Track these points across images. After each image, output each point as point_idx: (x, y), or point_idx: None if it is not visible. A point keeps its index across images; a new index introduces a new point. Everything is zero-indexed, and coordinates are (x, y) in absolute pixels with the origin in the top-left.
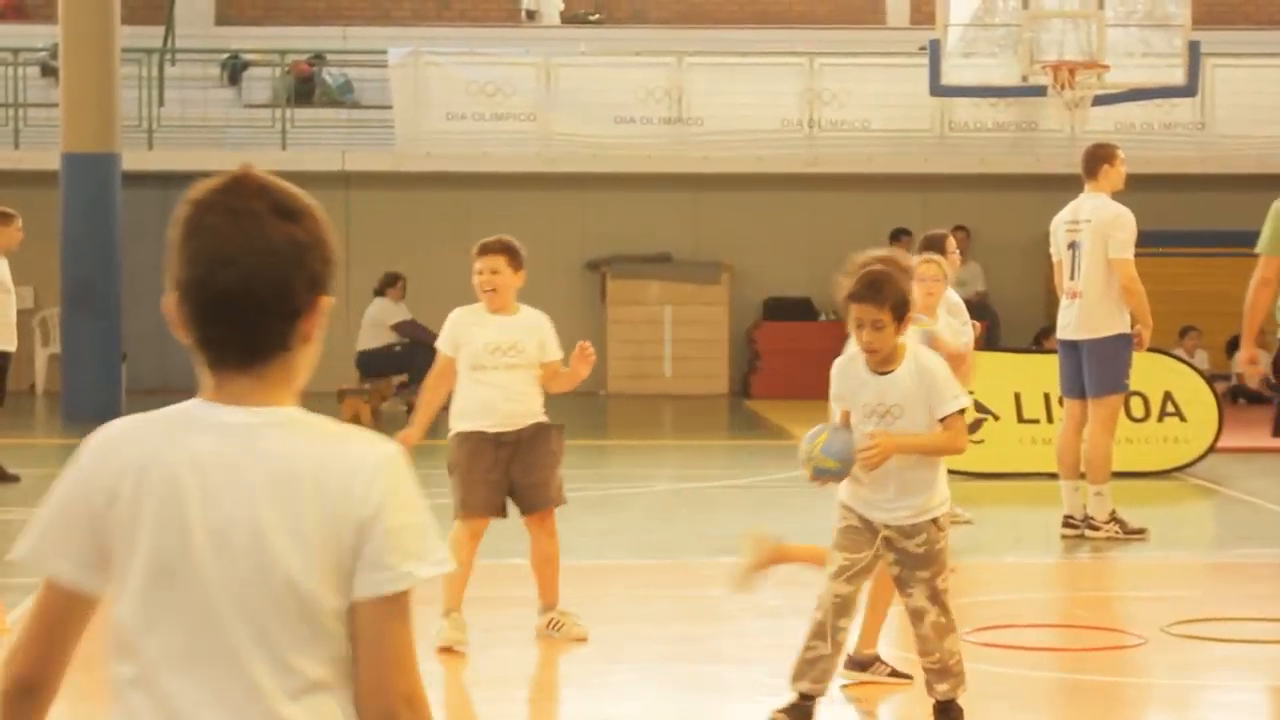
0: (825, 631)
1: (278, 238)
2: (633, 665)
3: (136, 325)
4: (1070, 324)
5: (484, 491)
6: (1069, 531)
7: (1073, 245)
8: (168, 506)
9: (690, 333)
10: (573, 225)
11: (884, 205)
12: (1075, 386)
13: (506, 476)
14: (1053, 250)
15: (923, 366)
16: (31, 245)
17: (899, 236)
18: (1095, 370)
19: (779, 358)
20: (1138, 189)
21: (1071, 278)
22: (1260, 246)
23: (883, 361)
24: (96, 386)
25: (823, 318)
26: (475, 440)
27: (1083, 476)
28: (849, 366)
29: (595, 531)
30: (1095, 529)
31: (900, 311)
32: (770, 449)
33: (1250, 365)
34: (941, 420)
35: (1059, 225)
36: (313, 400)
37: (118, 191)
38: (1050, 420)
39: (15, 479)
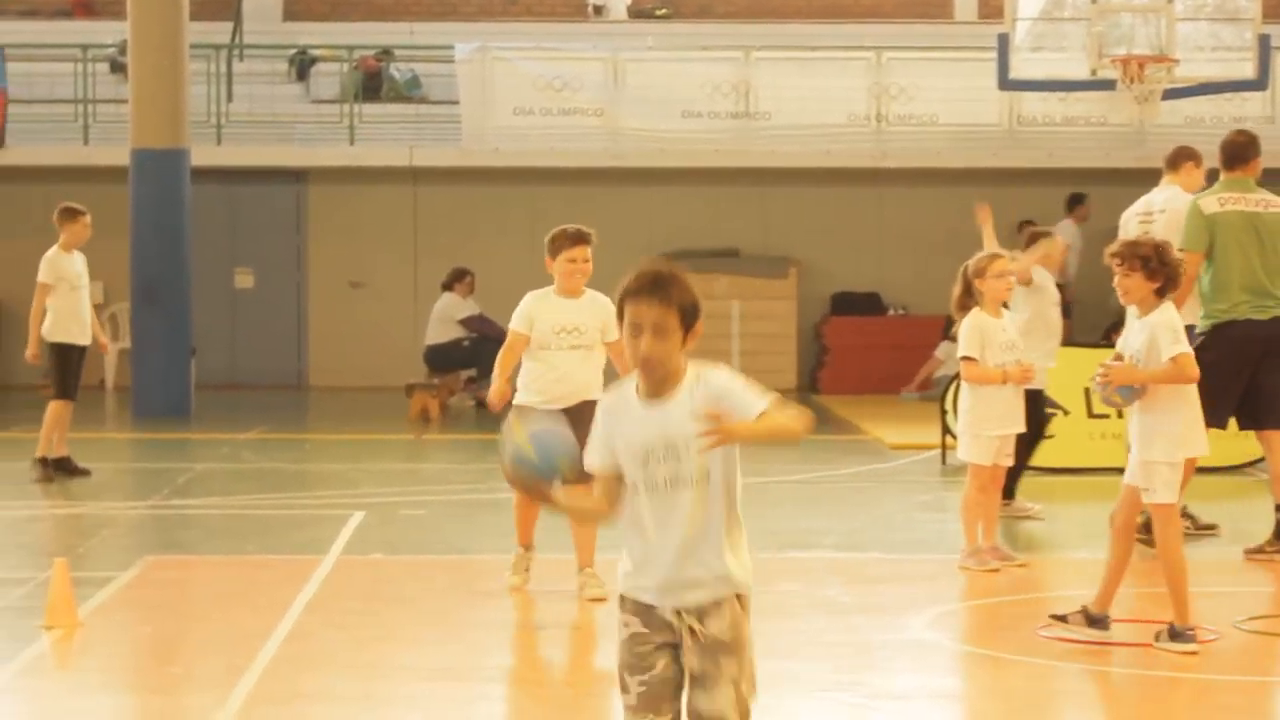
0: None
1: None
2: None
3: (205, 320)
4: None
5: None
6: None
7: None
8: None
9: (758, 327)
10: (640, 220)
11: (951, 200)
12: None
13: None
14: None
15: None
16: (101, 241)
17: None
18: None
19: (847, 352)
20: (1209, 183)
21: None
22: (1182, 242)
23: (658, 385)
24: (166, 381)
25: (891, 312)
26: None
27: None
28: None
29: None
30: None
31: (689, 320)
32: (838, 444)
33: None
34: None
35: (1131, 218)
36: (381, 395)
37: (186, 187)
38: (1120, 415)
39: (86, 473)
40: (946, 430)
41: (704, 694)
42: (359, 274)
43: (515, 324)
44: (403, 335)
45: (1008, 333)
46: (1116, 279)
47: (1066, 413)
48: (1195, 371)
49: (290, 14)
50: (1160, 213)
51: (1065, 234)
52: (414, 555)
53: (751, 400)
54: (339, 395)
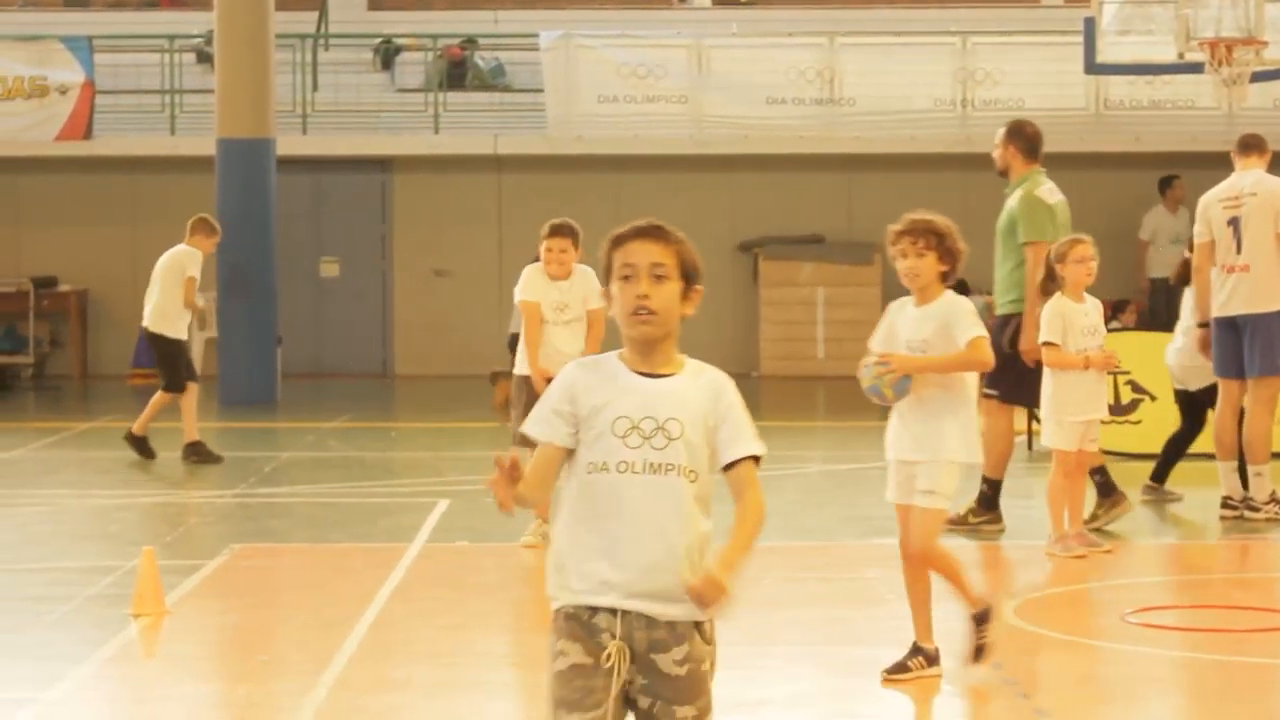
0: None
1: None
2: (786, 648)
3: (291, 309)
4: (1232, 299)
5: None
6: (1228, 513)
7: (1233, 221)
8: None
9: (843, 314)
10: (724, 207)
11: None
12: (1232, 366)
13: None
14: (1199, 230)
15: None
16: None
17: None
18: (1260, 347)
19: None
20: None
21: (1237, 252)
22: (1031, 234)
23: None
24: (252, 370)
25: (977, 298)
26: (527, 383)
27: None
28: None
29: None
30: (1255, 510)
31: (689, 274)
32: None
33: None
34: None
35: (1212, 203)
36: (466, 383)
37: (272, 176)
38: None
39: (219, 459)
40: (1032, 416)
41: None
42: (444, 262)
43: (526, 295)
44: (487, 323)
45: (1089, 317)
46: (903, 260)
47: (1154, 398)
48: (991, 357)
49: (375, 3)
50: (1251, 195)
51: (1156, 220)
52: (498, 543)
53: (746, 436)
54: (424, 384)
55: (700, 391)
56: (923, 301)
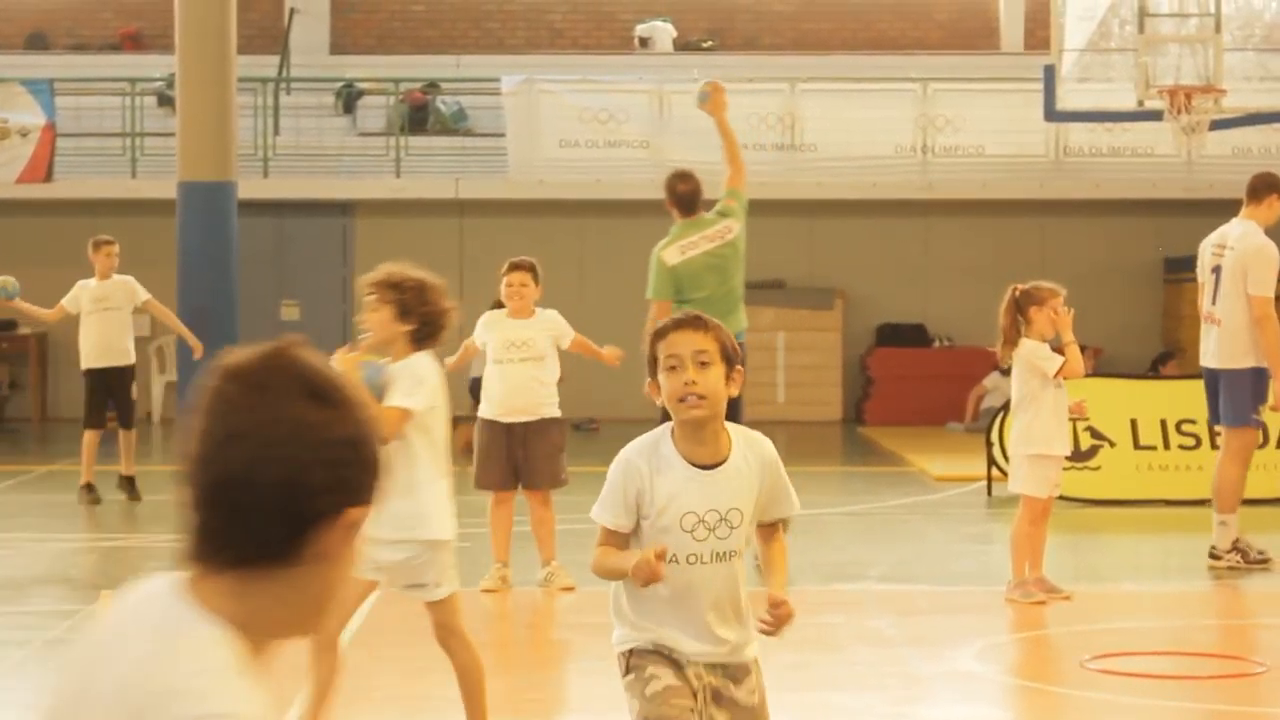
0: None
1: (303, 420)
2: None
3: None
4: (1208, 351)
5: (496, 470)
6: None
7: (1216, 269)
8: None
9: (803, 359)
10: None
11: (998, 231)
12: (1217, 414)
13: (513, 458)
14: (1198, 271)
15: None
16: (147, 273)
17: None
18: (1228, 400)
19: (892, 384)
20: None
21: (1212, 303)
22: (650, 293)
23: (706, 443)
24: None
25: (936, 344)
26: (491, 427)
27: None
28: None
29: None
30: (1216, 558)
31: (729, 357)
32: (884, 475)
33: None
34: None
35: (1206, 247)
36: None
37: (234, 220)
38: (1167, 447)
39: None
40: (992, 462)
41: None
42: None
43: (474, 336)
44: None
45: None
46: (367, 312)
47: (1113, 444)
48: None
49: (337, 47)
50: (1231, 249)
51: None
52: (460, 587)
53: (788, 499)
54: None
55: (753, 473)
56: (394, 359)
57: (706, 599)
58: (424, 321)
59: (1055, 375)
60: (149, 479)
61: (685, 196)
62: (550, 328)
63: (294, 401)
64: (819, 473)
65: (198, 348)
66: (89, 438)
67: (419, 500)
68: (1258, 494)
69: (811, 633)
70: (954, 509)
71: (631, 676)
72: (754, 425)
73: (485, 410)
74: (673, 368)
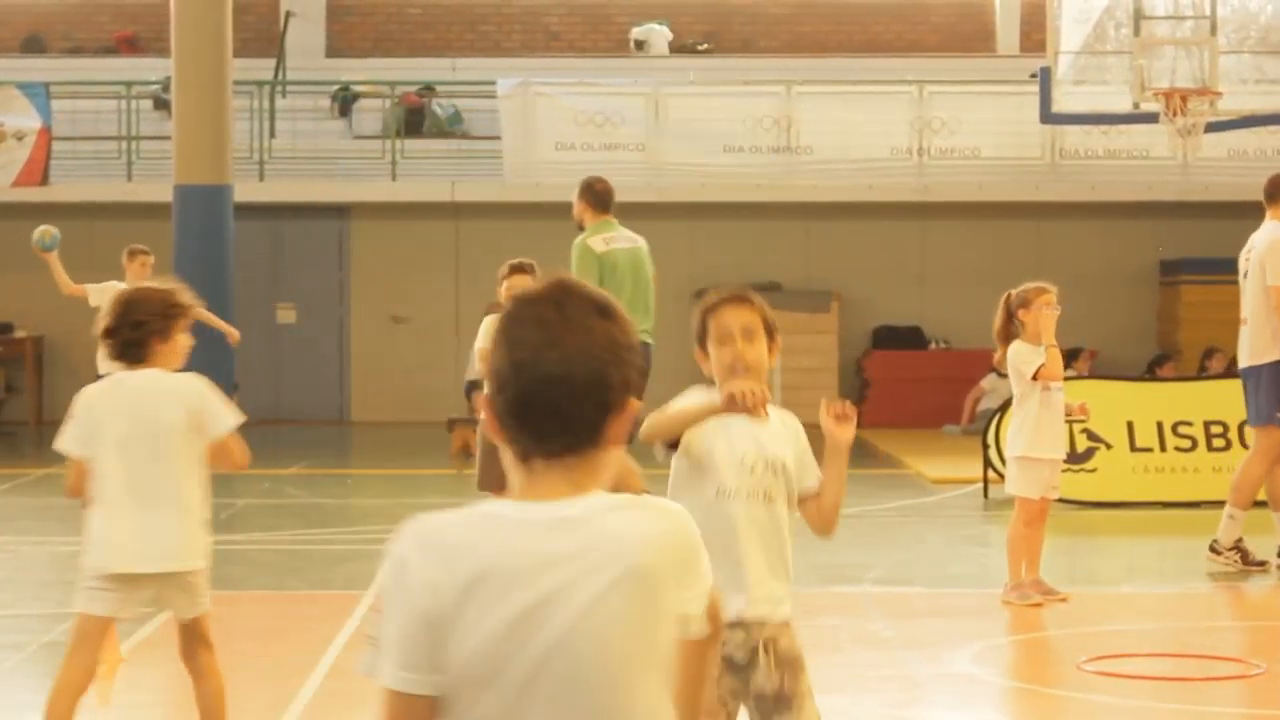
0: None
1: (599, 329)
2: None
3: (248, 355)
4: (1240, 351)
5: (500, 471)
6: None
7: (1246, 274)
8: (499, 614)
9: (800, 361)
10: (681, 255)
11: (994, 233)
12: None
13: None
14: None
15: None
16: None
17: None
18: (1253, 399)
19: (888, 386)
20: (1252, 215)
21: (1244, 306)
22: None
23: None
24: None
25: (932, 346)
26: None
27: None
28: None
29: None
30: (1217, 552)
31: (771, 330)
32: (880, 477)
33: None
34: None
35: (1242, 254)
36: (424, 429)
37: (229, 222)
38: (1163, 449)
39: None
40: (989, 464)
41: (790, 713)
42: (401, 309)
43: (484, 342)
44: (444, 370)
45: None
46: None
47: (1109, 446)
48: None
49: (333, 50)
50: (1253, 249)
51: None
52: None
53: (815, 466)
54: (381, 430)
55: (791, 435)
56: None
57: (763, 542)
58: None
59: (1032, 377)
60: None
61: (603, 194)
62: None
63: (590, 316)
64: None
65: (234, 335)
66: None
67: (193, 521)
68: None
69: (808, 635)
70: (951, 511)
71: None
72: None
73: None
74: (724, 341)
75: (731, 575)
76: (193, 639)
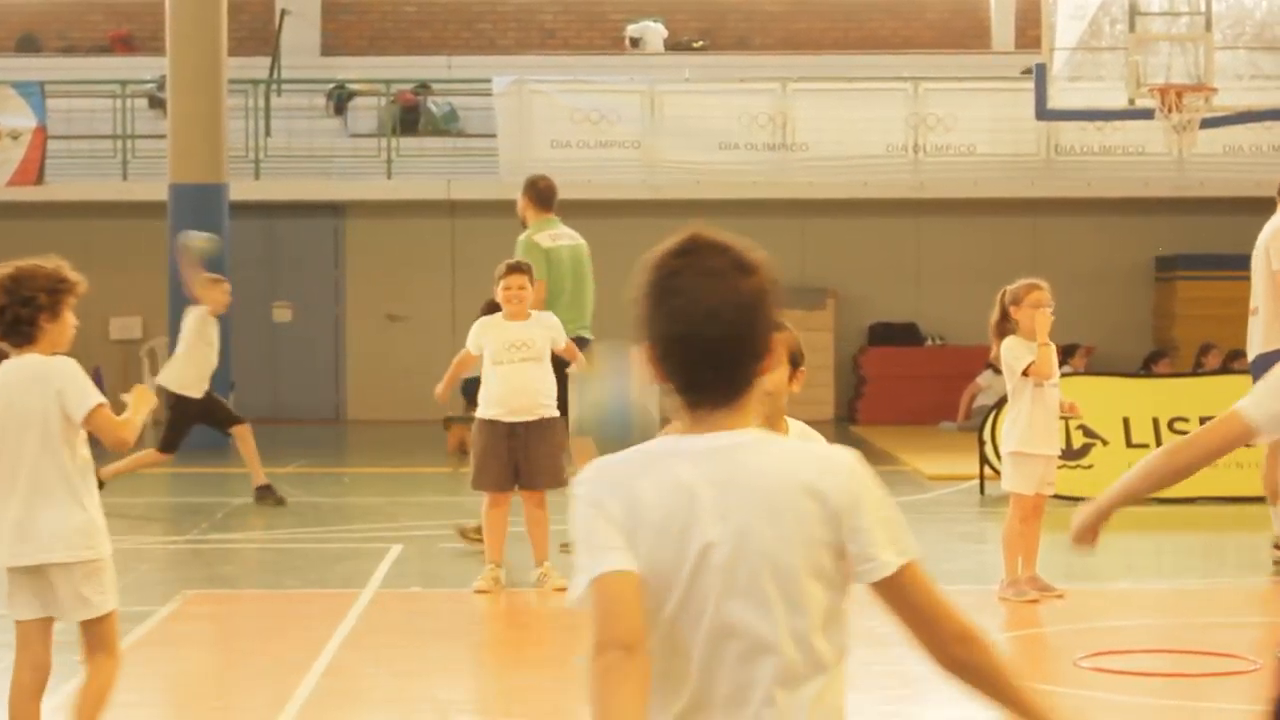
0: None
1: (745, 290)
2: None
3: (244, 354)
4: (1250, 342)
5: (496, 470)
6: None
7: (1254, 266)
8: (665, 529)
9: None
10: None
11: (990, 229)
12: None
13: (513, 459)
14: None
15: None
16: (139, 276)
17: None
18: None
19: (884, 383)
20: (1248, 211)
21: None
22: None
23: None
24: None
25: (928, 343)
26: (492, 428)
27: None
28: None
29: None
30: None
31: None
32: (876, 474)
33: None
34: None
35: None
36: (419, 428)
37: (225, 221)
38: (1159, 445)
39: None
40: (985, 461)
41: None
42: (397, 307)
43: (467, 344)
44: (440, 368)
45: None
46: None
47: (1105, 442)
48: None
49: (328, 49)
50: (1260, 241)
51: None
52: (452, 589)
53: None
54: (377, 429)
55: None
56: None
57: None
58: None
59: (1023, 374)
60: (145, 481)
61: (545, 191)
62: (548, 330)
63: (733, 279)
64: None
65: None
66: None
67: (92, 512)
68: (1249, 492)
69: None
70: (947, 508)
71: None
72: None
73: (485, 411)
74: None
75: None
76: (93, 644)
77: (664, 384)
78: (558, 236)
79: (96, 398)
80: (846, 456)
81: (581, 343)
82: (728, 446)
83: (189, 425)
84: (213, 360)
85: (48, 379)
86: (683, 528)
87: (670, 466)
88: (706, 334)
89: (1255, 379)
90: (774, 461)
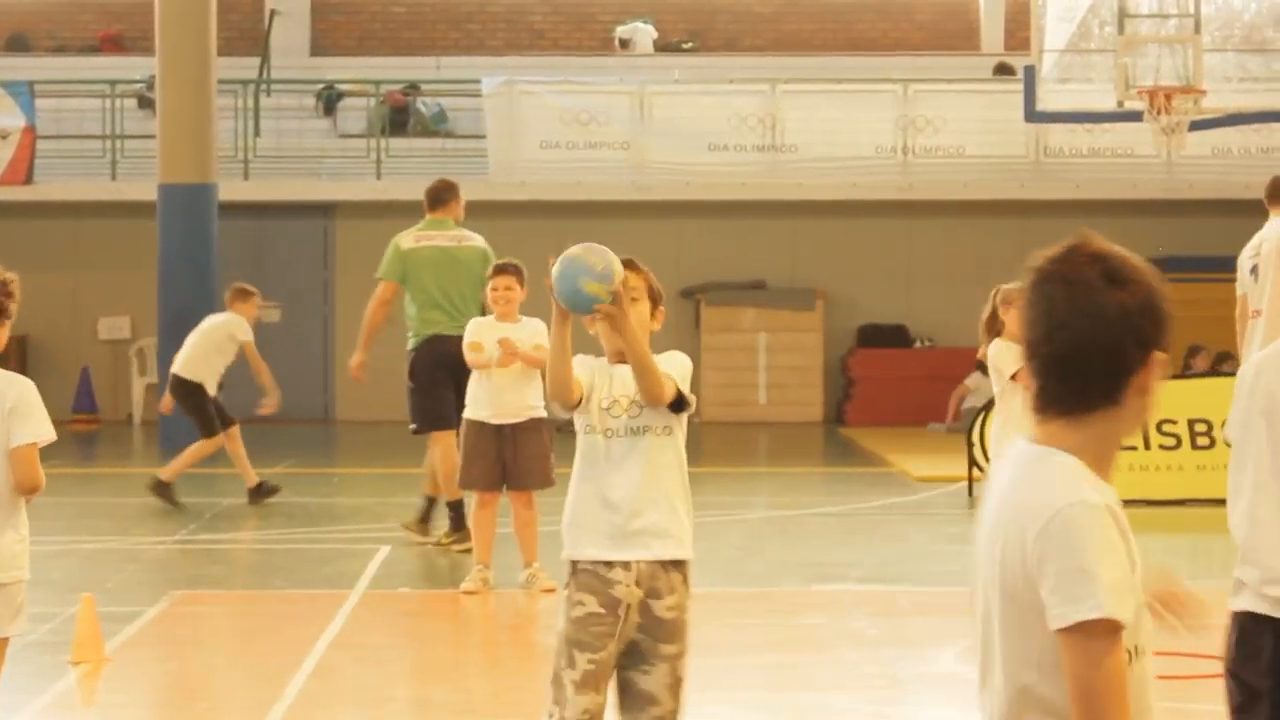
0: None
1: (1109, 304)
2: (729, 694)
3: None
4: (1251, 345)
5: (483, 471)
6: None
7: (1254, 270)
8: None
9: (785, 360)
10: (667, 253)
11: (979, 231)
12: None
13: (501, 459)
14: (1238, 285)
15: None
16: (128, 275)
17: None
18: None
19: (873, 384)
20: (1236, 213)
21: (1258, 302)
22: (380, 273)
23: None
24: None
25: (917, 344)
26: (480, 428)
27: None
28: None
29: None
30: None
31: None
32: (865, 476)
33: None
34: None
35: (1244, 258)
36: (407, 429)
37: (214, 221)
38: (1147, 447)
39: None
40: (973, 462)
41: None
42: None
43: (470, 337)
44: None
45: None
46: None
47: None
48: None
49: (317, 49)
50: (1265, 243)
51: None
52: (440, 589)
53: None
54: (365, 429)
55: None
56: None
57: (630, 473)
58: None
59: (1011, 378)
60: (133, 481)
61: (433, 191)
62: (534, 334)
63: (1097, 291)
64: (800, 473)
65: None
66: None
67: (20, 533)
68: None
69: (793, 633)
70: (935, 509)
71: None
72: (735, 425)
73: (473, 412)
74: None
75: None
76: None
77: (1030, 387)
78: (427, 238)
79: (44, 436)
80: (1061, 502)
81: (441, 342)
82: (1020, 456)
83: (209, 404)
84: (219, 368)
85: (4, 394)
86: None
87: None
88: (1058, 343)
89: None
90: (1015, 483)
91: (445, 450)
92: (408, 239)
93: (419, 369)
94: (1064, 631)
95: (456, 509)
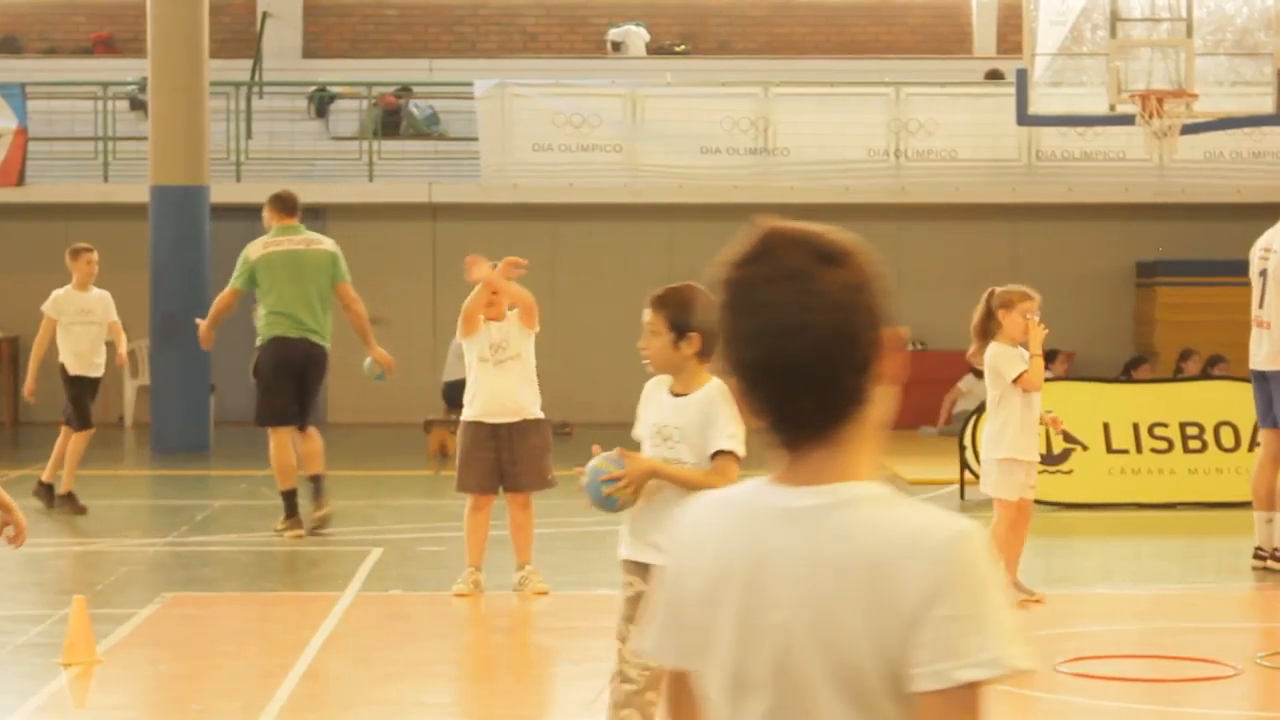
0: (635, 702)
1: (832, 288)
2: None
3: (225, 357)
4: (1260, 355)
5: (480, 472)
6: (1256, 563)
7: (1262, 273)
8: (742, 614)
9: None
10: (659, 256)
11: (971, 235)
12: (1269, 417)
13: (498, 461)
14: (1251, 275)
15: (713, 398)
16: (120, 277)
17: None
18: (1263, 398)
19: None
20: (1228, 217)
21: (1260, 306)
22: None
23: (678, 384)
24: (185, 418)
25: (909, 347)
26: (477, 429)
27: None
28: (652, 385)
29: None
30: (1278, 560)
31: (681, 328)
32: None
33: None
34: (712, 456)
35: (1254, 252)
36: (400, 431)
37: (206, 223)
38: (1139, 450)
39: (83, 510)
40: (965, 466)
41: None
42: (378, 310)
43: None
44: (421, 372)
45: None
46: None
47: (1085, 448)
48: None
49: (309, 51)
50: (1274, 252)
51: None
52: (432, 591)
53: (721, 433)
54: (357, 431)
55: (699, 404)
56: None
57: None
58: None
59: (1013, 382)
60: (125, 483)
61: (282, 199)
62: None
63: (817, 278)
64: None
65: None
66: (81, 441)
67: None
68: (1228, 498)
69: None
70: None
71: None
72: None
73: (470, 413)
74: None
75: None
76: None
77: (756, 422)
78: (276, 244)
79: None
80: (943, 535)
81: (283, 344)
82: (811, 508)
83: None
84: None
85: None
86: (750, 621)
87: (757, 532)
88: (797, 351)
89: (1256, 390)
90: (852, 533)
91: (280, 445)
92: (256, 248)
93: (263, 368)
94: (939, 694)
95: (289, 498)
